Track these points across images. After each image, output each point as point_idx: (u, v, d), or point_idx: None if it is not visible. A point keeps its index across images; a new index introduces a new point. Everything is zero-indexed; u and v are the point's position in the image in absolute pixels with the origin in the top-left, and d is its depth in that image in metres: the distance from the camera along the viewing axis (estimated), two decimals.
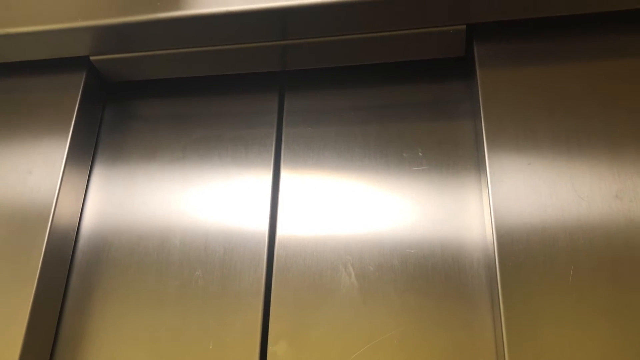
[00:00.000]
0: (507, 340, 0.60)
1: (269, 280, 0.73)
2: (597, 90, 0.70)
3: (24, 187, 0.77)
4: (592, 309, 0.59)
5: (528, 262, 0.62)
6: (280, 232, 0.76)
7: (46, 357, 0.74)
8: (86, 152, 0.85)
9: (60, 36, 0.78)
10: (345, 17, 0.73)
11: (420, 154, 0.77)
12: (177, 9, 0.74)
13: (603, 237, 0.62)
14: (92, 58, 0.82)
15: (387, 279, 0.71)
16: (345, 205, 0.76)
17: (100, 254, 0.80)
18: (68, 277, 0.79)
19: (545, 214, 0.64)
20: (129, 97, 0.91)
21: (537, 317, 0.60)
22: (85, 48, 0.80)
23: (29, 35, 0.78)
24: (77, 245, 0.81)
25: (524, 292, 0.61)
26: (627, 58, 0.72)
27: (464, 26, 0.73)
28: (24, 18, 0.78)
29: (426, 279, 0.70)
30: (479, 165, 0.74)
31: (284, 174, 0.80)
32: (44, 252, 0.73)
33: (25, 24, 0.78)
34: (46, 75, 0.85)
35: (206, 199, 0.80)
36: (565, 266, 0.61)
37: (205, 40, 0.78)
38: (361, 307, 0.70)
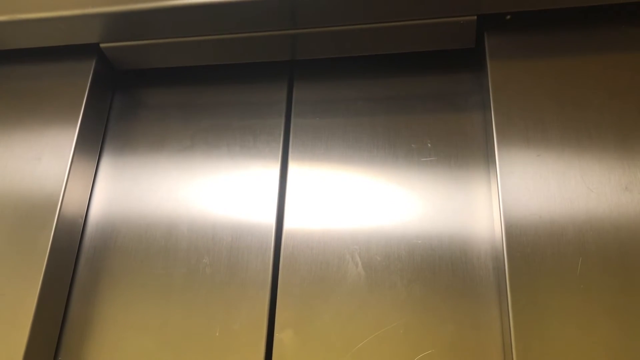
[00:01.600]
0: (514, 331, 0.59)
1: (276, 268, 0.73)
2: (607, 83, 0.70)
3: (33, 174, 0.77)
4: (600, 301, 0.59)
5: (536, 253, 0.62)
6: (287, 221, 0.76)
7: (53, 343, 0.74)
8: (95, 139, 0.85)
9: (70, 23, 0.78)
10: (355, 6, 0.73)
11: (429, 145, 0.77)
12: None
13: (611, 229, 0.62)
14: (102, 45, 0.82)
15: (393, 269, 0.71)
16: (353, 195, 0.76)
17: (108, 241, 0.80)
18: (76, 263, 0.79)
19: (554, 206, 0.64)
20: (138, 86, 0.91)
21: (545, 308, 0.60)
22: (95, 35, 0.81)
23: (39, 21, 0.78)
24: (85, 232, 0.81)
25: (532, 284, 0.61)
26: (637, 51, 0.71)
27: (475, 17, 0.73)
28: (34, 4, 0.78)
29: (433, 269, 0.70)
30: (488, 157, 0.74)
31: (292, 164, 0.80)
32: (52, 238, 0.73)
33: (36, 10, 0.78)
34: (56, 62, 0.85)
35: (214, 187, 0.80)
36: (573, 258, 0.61)
37: (215, 29, 0.78)
38: (367, 296, 0.70)
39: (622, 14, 0.73)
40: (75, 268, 0.79)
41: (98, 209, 0.82)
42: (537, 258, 0.62)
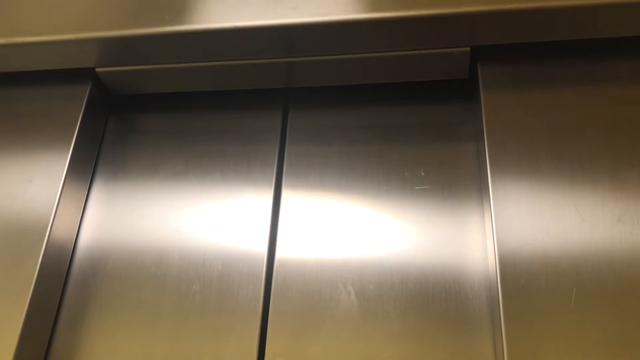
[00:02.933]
0: None
1: (267, 296, 0.72)
2: (599, 116, 0.71)
3: (24, 196, 0.77)
4: (594, 333, 0.59)
5: (530, 284, 0.62)
6: (280, 249, 0.75)
7: None
8: (87, 163, 0.84)
9: (66, 47, 0.79)
10: (350, 36, 0.74)
11: (423, 173, 0.77)
12: (185, 23, 0.74)
13: (606, 260, 0.62)
14: (97, 70, 0.82)
15: (387, 298, 0.70)
16: (346, 223, 0.75)
17: (97, 266, 0.79)
18: (64, 288, 0.78)
19: (548, 236, 0.64)
20: (133, 111, 0.91)
21: (539, 340, 0.59)
22: (91, 59, 0.81)
23: (36, 45, 0.79)
24: (74, 257, 0.80)
25: (526, 315, 0.61)
26: (629, 84, 0.72)
27: (468, 48, 0.74)
28: (30, 28, 0.78)
29: (426, 299, 0.69)
30: (481, 187, 0.74)
31: (286, 191, 0.80)
32: (41, 262, 0.72)
33: (32, 33, 0.78)
34: (51, 85, 0.85)
35: (207, 213, 0.80)
36: (567, 289, 0.61)
37: (212, 56, 0.78)
38: (360, 325, 0.69)
39: (614, 49, 0.74)
40: (62, 293, 0.77)
41: (88, 234, 0.81)
42: (531, 288, 0.62)
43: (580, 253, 0.63)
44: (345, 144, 0.82)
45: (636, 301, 0.59)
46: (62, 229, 0.77)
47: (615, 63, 0.73)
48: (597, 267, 0.62)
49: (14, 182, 0.78)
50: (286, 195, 0.79)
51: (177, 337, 0.72)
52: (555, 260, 0.63)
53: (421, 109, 0.83)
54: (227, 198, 0.81)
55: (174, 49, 0.78)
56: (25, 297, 0.70)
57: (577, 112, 0.71)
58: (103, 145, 0.88)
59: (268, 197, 0.80)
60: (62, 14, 0.78)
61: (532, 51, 0.75)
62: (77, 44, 0.78)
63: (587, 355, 0.58)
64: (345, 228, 0.75)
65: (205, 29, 0.74)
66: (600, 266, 0.62)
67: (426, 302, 0.69)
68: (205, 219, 0.79)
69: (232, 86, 0.84)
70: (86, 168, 0.84)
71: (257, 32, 0.74)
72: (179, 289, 0.75)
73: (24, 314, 0.69)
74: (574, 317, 0.60)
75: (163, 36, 0.75)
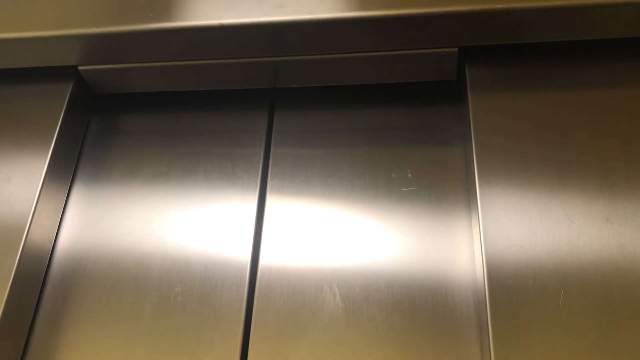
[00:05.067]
0: None
1: (251, 298, 0.71)
2: (587, 116, 0.70)
3: (1, 195, 0.75)
4: (582, 333, 0.58)
5: (517, 285, 0.61)
6: (264, 251, 0.74)
7: None
8: (68, 163, 0.83)
9: (48, 44, 0.77)
10: (337, 35, 0.73)
11: (410, 175, 0.76)
12: (169, 20, 0.73)
13: (593, 260, 0.61)
14: (80, 68, 0.81)
15: (372, 300, 0.69)
16: (332, 225, 0.74)
17: (76, 268, 0.77)
18: (41, 290, 0.76)
19: (535, 237, 0.63)
20: (116, 110, 0.90)
21: (527, 341, 0.58)
22: (73, 57, 0.79)
23: (16, 41, 0.77)
24: (52, 258, 0.78)
25: (513, 316, 0.60)
26: (617, 86, 0.72)
27: (456, 49, 0.73)
28: (10, 24, 0.77)
29: (413, 302, 0.68)
30: (468, 188, 0.73)
31: (271, 193, 0.78)
32: (18, 263, 0.70)
33: (12, 29, 0.76)
34: (32, 83, 0.83)
35: (190, 215, 0.78)
36: (555, 290, 0.60)
37: (197, 54, 0.77)
38: (345, 328, 0.67)
39: (601, 50, 0.74)
40: (40, 295, 0.75)
41: (68, 235, 0.79)
42: (518, 289, 0.61)
43: (568, 254, 0.62)
44: (332, 146, 0.81)
45: (624, 302, 0.59)
46: (40, 230, 0.75)
47: (603, 65, 0.73)
48: (585, 268, 0.61)
49: None
50: (271, 197, 0.78)
51: (157, 340, 0.70)
52: (543, 261, 0.62)
53: (409, 110, 0.82)
54: (210, 200, 0.79)
55: (158, 47, 0.76)
56: (1, 299, 0.68)
57: (565, 114, 0.71)
58: (85, 145, 0.87)
59: (253, 199, 0.78)
60: (44, 10, 0.77)
61: (520, 52, 0.75)
62: (59, 41, 0.77)
63: (574, 355, 0.57)
64: (331, 230, 0.74)
65: (190, 26, 0.73)
66: (588, 267, 0.61)
67: (412, 305, 0.68)
68: (188, 220, 0.78)
69: (217, 86, 0.82)
70: (67, 168, 0.82)
71: (242, 30, 0.73)
72: (161, 291, 0.73)
73: (0, 316, 0.67)
74: (562, 319, 0.59)
75: (147, 33, 0.74)
